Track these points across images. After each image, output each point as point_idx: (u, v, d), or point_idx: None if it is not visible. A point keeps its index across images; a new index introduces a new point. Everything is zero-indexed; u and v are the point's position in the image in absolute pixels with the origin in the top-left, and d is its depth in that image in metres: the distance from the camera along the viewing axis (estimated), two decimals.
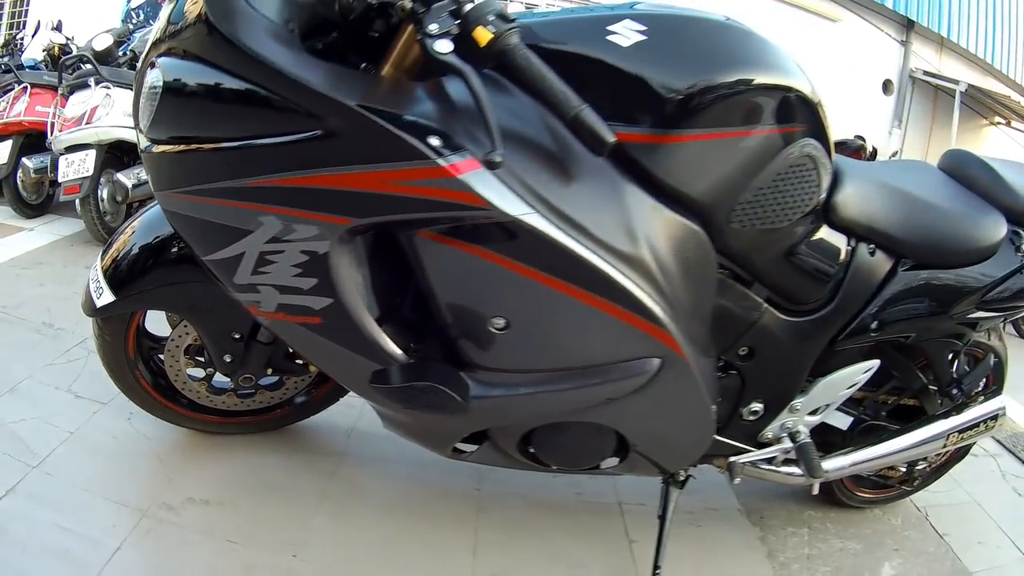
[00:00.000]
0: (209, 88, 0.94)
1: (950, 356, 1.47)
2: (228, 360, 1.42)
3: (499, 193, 0.91)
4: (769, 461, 1.37)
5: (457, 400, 1.06)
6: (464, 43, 0.84)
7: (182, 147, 1.00)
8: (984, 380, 1.56)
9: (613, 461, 1.27)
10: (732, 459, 1.34)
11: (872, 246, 1.24)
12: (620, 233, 0.98)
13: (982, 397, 1.50)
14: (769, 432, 1.35)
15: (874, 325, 1.26)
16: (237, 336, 1.40)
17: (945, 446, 1.47)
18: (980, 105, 9.57)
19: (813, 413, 1.35)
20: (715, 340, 1.17)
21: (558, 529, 1.51)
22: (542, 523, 1.52)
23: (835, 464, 1.41)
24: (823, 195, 1.15)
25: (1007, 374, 1.58)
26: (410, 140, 0.88)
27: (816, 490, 1.42)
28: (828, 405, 1.36)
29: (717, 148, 1.03)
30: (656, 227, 1.02)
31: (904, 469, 1.65)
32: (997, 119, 10.21)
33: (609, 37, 0.98)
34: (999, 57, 9.74)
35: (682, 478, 1.36)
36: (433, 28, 0.84)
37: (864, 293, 1.25)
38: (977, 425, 1.45)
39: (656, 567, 1.34)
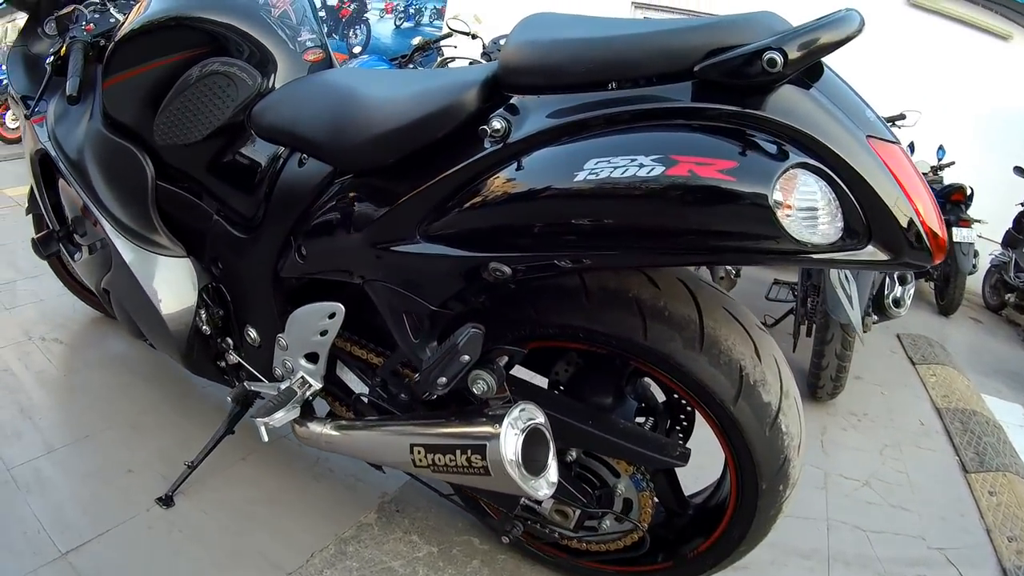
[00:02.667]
0: None
1: (420, 320, 1.05)
2: None
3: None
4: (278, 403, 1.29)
5: None
6: None
7: None
8: (495, 382, 1.02)
9: None
10: (247, 385, 1.35)
11: (304, 156, 1.15)
12: (74, 149, 1.39)
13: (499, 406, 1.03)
14: (277, 368, 1.30)
15: (303, 252, 1.13)
16: None
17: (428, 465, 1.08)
18: None
19: (311, 359, 1.24)
20: (185, 242, 1.34)
21: None
22: None
23: (312, 430, 1.22)
24: (243, 108, 1.19)
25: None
26: None
27: (265, 437, 1.23)
28: (317, 353, 1.22)
29: (132, 83, 1.29)
30: (100, 148, 1.37)
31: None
32: None
33: None
34: None
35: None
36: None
37: (291, 210, 1.15)
38: (455, 451, 1.02)
39: (193, 465, 1.46)
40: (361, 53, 7.01)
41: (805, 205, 0.70)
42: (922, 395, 2.78)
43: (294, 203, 1.15)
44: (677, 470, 1.19)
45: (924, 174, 3.90)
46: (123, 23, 1.30)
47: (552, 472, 0.99)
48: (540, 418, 1.00)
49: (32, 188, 1.72)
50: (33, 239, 1.66)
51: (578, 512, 1.15)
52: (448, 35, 3.95)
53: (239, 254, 1.26)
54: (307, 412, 1.30)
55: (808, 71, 0.74)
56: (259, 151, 1.23)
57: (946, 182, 4.46)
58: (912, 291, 2.66)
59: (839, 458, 2.14)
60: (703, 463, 1.20)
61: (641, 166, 0.73)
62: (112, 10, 1.52)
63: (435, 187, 0.90)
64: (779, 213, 0.69)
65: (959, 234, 4.01)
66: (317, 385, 1.25)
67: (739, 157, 0.69)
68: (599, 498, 1.18)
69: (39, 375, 1.83)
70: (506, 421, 0.96)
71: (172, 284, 1.34)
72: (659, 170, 0.72)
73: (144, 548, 1.31)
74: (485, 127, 0.84)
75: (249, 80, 1.19)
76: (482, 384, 1.00)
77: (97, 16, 1.49)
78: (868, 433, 2.35)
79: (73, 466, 1.50)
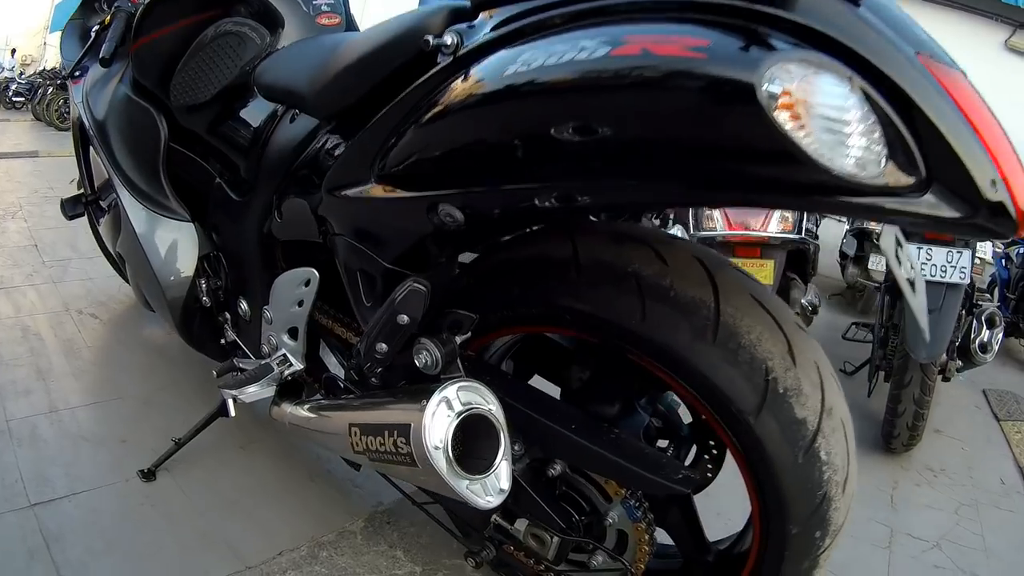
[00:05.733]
0: None
1: (373, 280, 0.94)
2: None
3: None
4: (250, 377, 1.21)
5: None
6: None
7: None
8: (441, 354, 0.87)
9: None
10: (235, 361, 1.28)
11: (295, 112, 1.10)
12: (101, 111, 1.40)
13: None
14: (264, 345, 1.23)
15: (280, 211, 1.07)
16: None
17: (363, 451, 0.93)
18: None
19: (293, 335, 1.16)
20: (190, 206, 1.31)
21: None
22: None
23: (283, 411, 1.13)
24: (250, 67, 1.19)
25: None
26: None
27: (232, 412, 1.14)
28: (296, 326, 1.13)
29: (156, 44, 1.29)
30: (123, 109, 1.38)
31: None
32: None
33: None
34: None
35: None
36: None
37: (278, 168, 1.10)
38: (384, 433, 0.84)
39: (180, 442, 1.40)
40: None
41: (823, 111, 0.50)
42: (1006, 453, 2.44)
43: (281, 160, 1.09)
44: (701, 509, 1.00)
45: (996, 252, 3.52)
46: None
47: (503, 476, 0.80)
48: (488, 404, 0.81)
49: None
50: (62, 200, 1.70)
51: (555, 539, 0.96)
52: None
53: (233, 218, 1.21)
54: (289, 393, 1.21)
55: None
56: (260, 111, 1.20)
57: None
58: (1000, 336, 2.34)
59: (909, 515, 1.84)
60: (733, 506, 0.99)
61: (582, 49, 0.57)
62: None
63: (385, 117, 0.80)
64: (777, 112, 0.50)
65: None
66: (298, 365, 1.17)
67: (717, 36, 0.53)
68: (586, 526, 0.99)
69: (66, 343, 1.86)
70: (434, 398, 0.77)
71: (173, 248, 1.32)
72: (603, 51, 0.57)
73: (111, 515, 1.25)
74: (437, 42, 0.73)
75: (258, 39, 1.17)
76: (425, 356, 0.85)
77: None
78: (944, 490, 2.04)
79: (70, 428, 1.48)
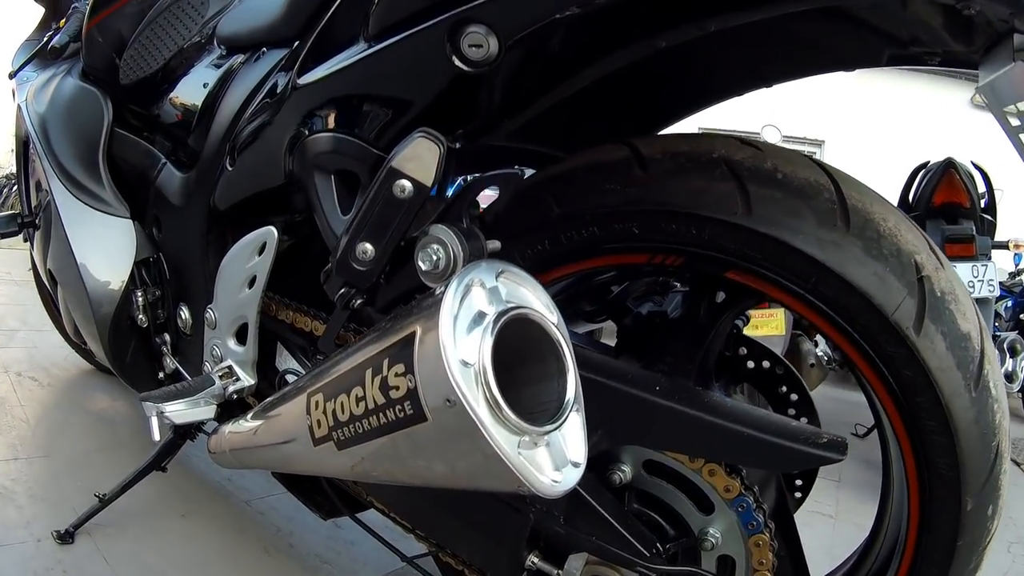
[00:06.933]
0: None
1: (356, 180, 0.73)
2: None
3: None
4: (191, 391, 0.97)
5: None
6: None
7: None
8: (458, 250, 0.59)
9: None
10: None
11: (258, 53, 0.96)
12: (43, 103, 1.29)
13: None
14: (207, 362, 1.01)
15: (234, 158, 0.90)
16: None
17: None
18: None
19: (241, 338, 0.95)
20: (130, 203, 1.14)
21: None
22: None
23: (221, 437, 0.87)
24: (208, 28, 1.09)
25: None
26: None
27: (155, 433, 0.90)
28: (245, 321, 0.93)
29: (107, 21, 1.18)
30: (66, 96, 1.26)
31: None
32: None
33: None
34: None
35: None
36: None
37: (234, 116, 0.92)
38: (365, 379, 0.53)
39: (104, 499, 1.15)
40: None
41: None
42: None
43: (234, 107, 0.92)
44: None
45: (1002, 282, 3.46)
46: None
47: (574, 437, 0.51)
48: (548, 312, 0.53)
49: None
50: None
51: None
52: None
53: (179, 196, 1.03)
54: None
55: None
56: (213, 71, 1.05)
57: None
58: None
59: None
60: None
61: None
62: None
63: None
64: None
65: None
66: (246, 379, 0.94)
67: None
68: (671, 556, 0.69)
69: None
70: (458, 281, 0.49)
71: (106, 250, 1.11)
72: None
73: None
74: None
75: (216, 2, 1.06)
76: (436, 252, 0.56)
77: None
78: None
79: None
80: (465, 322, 0.48)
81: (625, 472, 0.71)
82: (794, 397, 0.90)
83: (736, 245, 0.61)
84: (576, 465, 0.51)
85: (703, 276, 0.73)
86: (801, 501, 0.89)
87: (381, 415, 0.51)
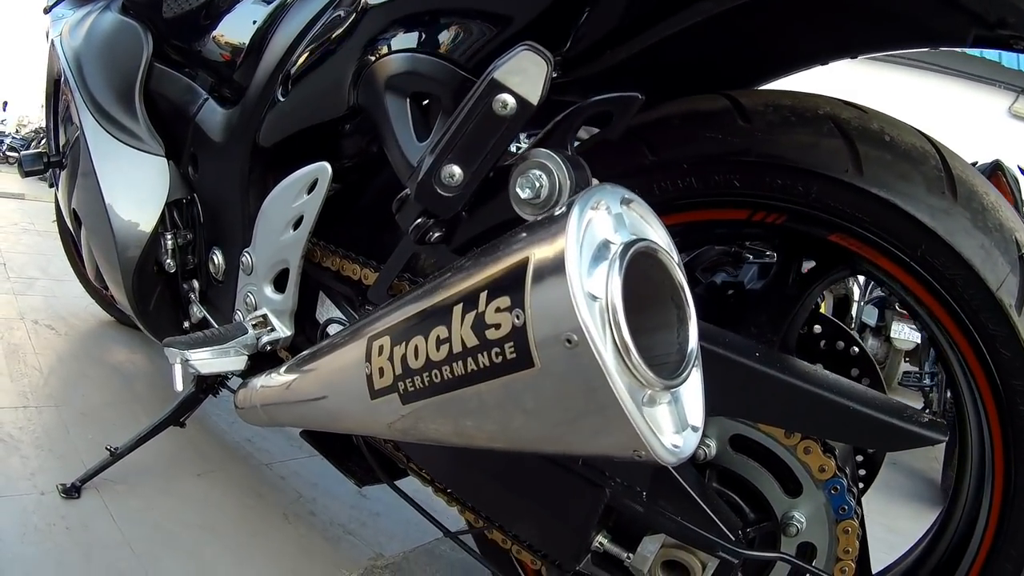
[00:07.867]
0: None
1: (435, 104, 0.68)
2: None
3: None
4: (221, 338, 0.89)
5: None
6: None
7: None
8: (565, 176, 0.49)
9: None
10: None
11: None
12: (79, 38, 1.21)
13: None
14: (239, 309, 0.94)
15: (288, 88, 0.83)
16: None
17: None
18: None
19: (279, 286, 0.87)
20: (167, 139, 1.06)
21: None
22: None
23: (251, 390, 0.81)
24: None
25: None
26: None
27: (178, 384, 0.81)
28: (287, 267, 0.84)
29: None
30: (105, 30, 1.19)
31: None
32: None
33: None
34: None
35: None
36: None
37: (282, 52, 0.86)
38: (452, 314, 0.45)
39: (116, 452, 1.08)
40: None
41: None
42: None
43: (290, 38, 0.85)
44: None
45: None
46: None
47: (695, 398, 0.44)
48: (675, 255, 0.46)
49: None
50: (20, 156, 1.47)
51: (713, 565, 0.59)
52: None
53: (221, 132, 0.96)
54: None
55: None
56: (265, 4, 0.97)
57: None
58: None
59: None
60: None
61: None
62: None
63: None
64: None
65: None
66: (283, 330, 0.87)
67: None
68: (749, 539, 0.64)
69: (11, 347, 1.56)
70: (582, 203, 0.41)
71: (136, 188, 1.04)
72: None
73: (11, 531, 0.92)
74: None
75: None
76: (538, 178, 0.47)
77: None
78: None
79: None
80: (590, 251, 0.40)
81: (710, 447, 0.64)
82: (867, 381, 0.83)
83: (844, 206, 0.57)
84: (696, 430, 0.43)
85: (795, 241, 0.67)
86: (863, 491, 0.82)
87: (470, 360, 0.42)
